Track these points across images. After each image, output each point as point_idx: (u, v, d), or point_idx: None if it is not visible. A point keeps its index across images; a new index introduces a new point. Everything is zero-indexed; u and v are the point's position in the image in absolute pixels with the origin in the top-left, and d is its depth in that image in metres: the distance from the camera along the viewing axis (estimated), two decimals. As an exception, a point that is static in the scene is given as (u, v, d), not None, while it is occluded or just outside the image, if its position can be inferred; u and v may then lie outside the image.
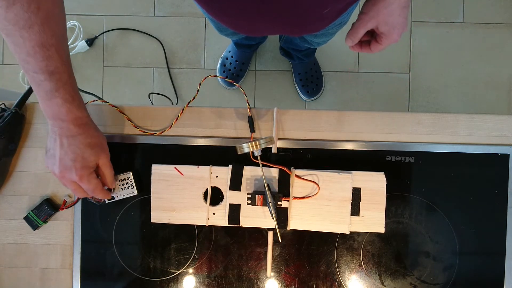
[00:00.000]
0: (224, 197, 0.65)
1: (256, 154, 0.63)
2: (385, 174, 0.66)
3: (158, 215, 0.66)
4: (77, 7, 1.50)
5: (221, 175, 0.65)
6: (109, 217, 0.69)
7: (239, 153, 0.61)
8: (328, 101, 1.48)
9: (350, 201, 0.64)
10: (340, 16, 0.68)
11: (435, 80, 1.47)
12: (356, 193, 0.64)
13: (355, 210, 0.64)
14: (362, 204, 0.64)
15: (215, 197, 0.66)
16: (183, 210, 0.66)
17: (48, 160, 0.58)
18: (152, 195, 0.66)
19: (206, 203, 0.65)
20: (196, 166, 0.65)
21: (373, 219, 0.65)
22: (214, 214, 0.66)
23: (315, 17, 0.58)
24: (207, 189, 0.65)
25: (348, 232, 0.65)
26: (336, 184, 0.64)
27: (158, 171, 0.66)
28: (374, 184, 0.64)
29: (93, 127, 0.60)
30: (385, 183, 0.64)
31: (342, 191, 0.64)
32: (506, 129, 0.68)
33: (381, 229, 0.65)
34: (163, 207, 0.66)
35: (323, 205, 0.64)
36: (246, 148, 0.61)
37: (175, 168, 0.65)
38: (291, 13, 0.55)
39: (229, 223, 0.65)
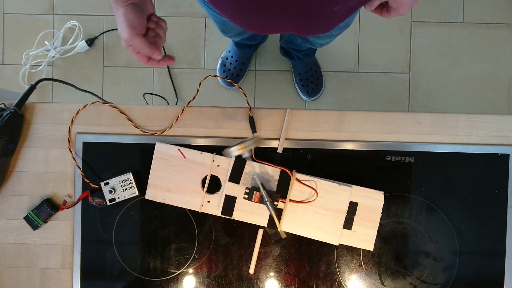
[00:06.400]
0: (222, 187, 0.65)
1: (244, 157, 0.64)
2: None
3: (153, 193, 0.66)
4: (77, 7, 1.50)
5: (223, 165, 0.65)
6: (109, 217, 0.69)
7: (227, 157, 0.62)
8: (328, 101, 1.48)
9: (345, 214, 0.64)
10: (347, 18, 0.68)
11: (435, 80, 1.47)
12: (352, 207, 0.64)
13: (348, 223, 0.65)
14: (356, 219, 0.65)
15: (213, 185, 0.66)
16: (179, 193, 0.66)
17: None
18: (151, 172, 0.66)
19: (203, 190, 0.65)
20: (200, 152, 0.65)
21: (364, 236, 0.65)
22: (208, 202, 0.66)
23: (327, 14, 0.59)
24: (206, 176, 0.65)
25: (337, 244, 0.65)
26: (334, 195, 0.64)
27: (161, 149, 0.66)
28: (371, 202, 0.65)
29: (126, 10, 0.54)
30: (383, 202, 0.64)
31: (339, 202, 0.64)
32: (506, 129, 0.68)
33: (370, 247, 0.65)
34: (160, 186, 0.66)
35: (318, 213, 0.64)
36: (235, 151, 0.62)
37: (178, 149, 0.66)
38: (305, 8, 0.55)
39: (222, 214, 0.65)
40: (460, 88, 1.47)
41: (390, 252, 0.68)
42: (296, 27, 0.64)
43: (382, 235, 0.68)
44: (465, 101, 1.47)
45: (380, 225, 0.67)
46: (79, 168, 0.68)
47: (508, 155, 0.67)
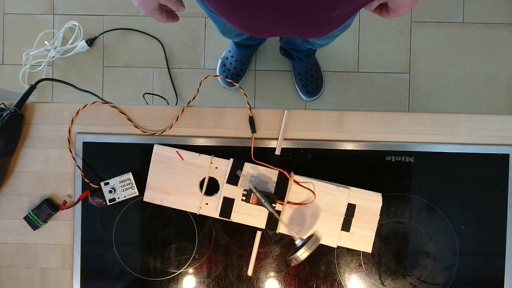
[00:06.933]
0: (220, 189, 0.65)
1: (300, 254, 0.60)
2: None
3: (151, 195, 0.66)
4: (77, 7, 1.50)
5: (221, 167, 0.65)
6: (109, 217, 0.69)
7: (295, 264, 0.60)
8: (328, 101, 1.48)
9: (343, 216, 0.64)
10: (346, 21, 0.68)
11: (435, 80, 1.47)
12: (350, 209, 0.64)
13: (346, 225, 0.65)
14: (354, 221, 0.65)
15: (211, 187, 0.66)
16: (177, 195, 0.66)
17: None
18: (149, 174, 0.66)
19: (201, 192, 0.65)
20: (198, 154, 0.66)
21: (362, 238, 0.65)
22: (207, 204, 0.66)
23: (325, 19, 0.58)
24: (204, 178, 0.66)
25: (335, 246, 0.65)
26: (332, 197, 0.64)
27: (160, 151, 0.66)
28: (369, 204, 0.65)
29: None
30: (381, 204, 0.64)
31: (337, 204, 0.64)
32: (506, 129, 0.68)
33: (369, 249, 0.65)
34: (158, 188, 0.66)
35: (316, 215, 0.64)
36: (303, 255, 0.59)
37: (176, 151, 0.66)
38: (304, 13, 0.55)
39: (220, 216, 0.65)
40: (460, 88, 1.47)
41: (390, 252, 0.68)
42: (294, 31, 0.64)
43: (382, 235, 0.68)
44: (465, 101, 1.47)
45: (380, 225, 0.67)
46: (79, 168, 0.68)
47: (508, 155, 0.67)
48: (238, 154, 0.67)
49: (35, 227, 0.68)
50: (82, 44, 1.46)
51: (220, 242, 0.68)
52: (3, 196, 0.70)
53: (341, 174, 0.67)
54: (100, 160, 0.69)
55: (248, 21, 0.61)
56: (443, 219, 0.68)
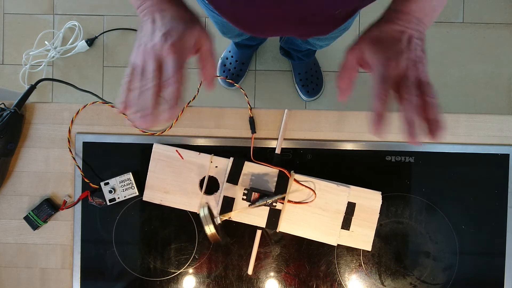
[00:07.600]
0: (220, 188, 0.65)
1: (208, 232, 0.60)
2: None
3: (151, 194, 0.66)
4: (77, 7, 1.50)
5: (221, 166, 0.65)
6: (109, 217, 0.69)
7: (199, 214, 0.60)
8: (328, 101, 1.48)
9: (343, 214, 0.64)
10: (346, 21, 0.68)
11: (435, 80, 1.46)
12: (350, 208, 0.65)
13: (346, 224, 0.65)
14: (354, 219, 0.65)
15: (211, 186, 0.66)
16: (176, 194, 0.66)
17: (134, 50, 0.46)
18: (148, 173, 0.66)
19: (201, 191, 0.65)
20: (198, 153, 0.66)
21: (362, 236, 0.65)
22: (207, 203, 0.66)
23: (326, 18, 0.58)
24: (204, 177, 0.66)
25: (335, 245, 0.65)
26: (333, 196, 0.64)
27: (159, 150, 0.66)
28: (369, 202, 0.65)
29: (186, 5, 0.49)
30: (381, 203, 0.64)
31: (337, 203, 0.64)
32: (506, 129, 0.68)
33: (368, 247, 0.65)
34: (157, 187, 0.66)
35: (316, 213, 0.64)
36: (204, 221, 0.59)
37: (176, 150, 0.66)
38: (305, 11, 0.55)
39: (219, 215, 0.65)
40: (460, 88, 1.47)
41: (390, 252, 0.68)
42: (296, 30, 0.64)
43: (382, 235, 0.68)
44: (465, 101, 1.47)
45: (380, 225, 0.67)
46: (79, 168, 0.68)
47: (508, 155, 0.67)
48: (238, 154, 0.67)
49: (35, 227, 0.68)
50: (82, 44, 1.46)
51: (220, 242, 0.68)
52: (3, 196, 0.70)
53: (341, 174, 0.67)
54: (100, 160, 0.69)
55: (249, 21, 0.61)
56: (443, 219, 0.68)
